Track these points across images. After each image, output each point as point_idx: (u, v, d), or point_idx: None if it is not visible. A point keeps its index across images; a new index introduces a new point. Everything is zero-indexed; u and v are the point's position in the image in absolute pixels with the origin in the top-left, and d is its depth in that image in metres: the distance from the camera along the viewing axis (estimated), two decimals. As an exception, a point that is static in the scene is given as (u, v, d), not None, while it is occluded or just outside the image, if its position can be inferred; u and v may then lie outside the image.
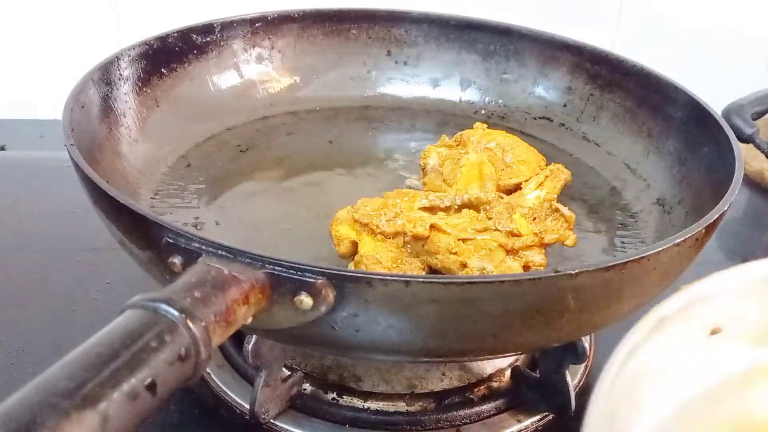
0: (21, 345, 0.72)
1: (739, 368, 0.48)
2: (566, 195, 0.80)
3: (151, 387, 0.38)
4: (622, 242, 0.75)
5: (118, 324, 0.40)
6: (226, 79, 0.92)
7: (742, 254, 0.99)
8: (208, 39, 0.90)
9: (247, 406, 0.64)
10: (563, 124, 0.93)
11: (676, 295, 0.45)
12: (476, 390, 0.69)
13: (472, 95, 0.99)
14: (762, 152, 0.94)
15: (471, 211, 0.68)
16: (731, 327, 0.48)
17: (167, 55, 0.85)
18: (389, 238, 0.66)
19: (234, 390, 0.67)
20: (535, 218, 0.69)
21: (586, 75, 0.92)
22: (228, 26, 0.91)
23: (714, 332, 0.47)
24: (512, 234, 0.65)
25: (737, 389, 0.47)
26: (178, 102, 0.86)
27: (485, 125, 0.86)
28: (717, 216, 0.58)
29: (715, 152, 0.73)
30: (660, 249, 0.53)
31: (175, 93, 0.86)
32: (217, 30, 0.90)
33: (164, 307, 0.41)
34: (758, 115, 0.93)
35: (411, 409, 0.66)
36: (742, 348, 0.48)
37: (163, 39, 0.85)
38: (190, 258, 0.48)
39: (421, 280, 0.49)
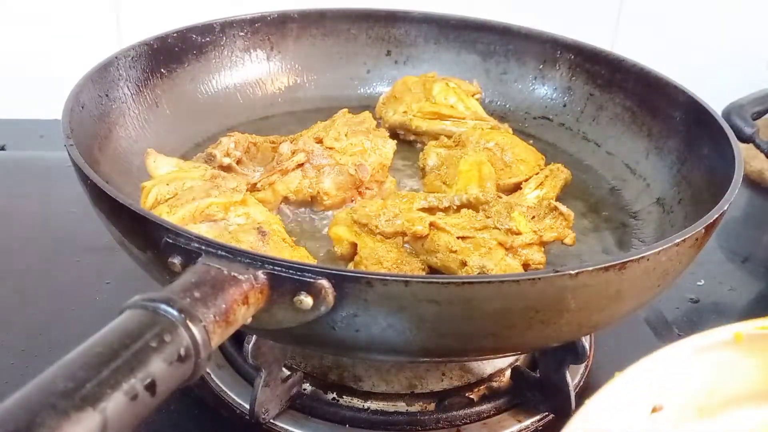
0: (21, 345, 0.72)
1: None
2: (566, 195, 0.80)
3: (151, 387, 0.38)
4: (622, 242, 0.75)
5: (118, 324, 0.40)
6: (225, 79, 0.92)
7: (742, 254, 0.98)
8: (208, 39, 0.90)
9: (247, 406, 0.64)
10: (563, 124, 0.93)
11: (613, 380, 0.46)
12: (476, 390, 0.69)
13: (472, 95, 0.99)
14: (762, 152, 0.94)
15: (470, 210, 0.68)
16: (673, 402, 0.48)
17: (167, 55, 0.85)
18: (389, 238, 0.66)
19: (234, 390, 0.67)
20: (533, 217, 0.69)
21: (586, 75, 0.92)
22: (228, 26, 0.92)
23: (655, 410, 0.47)
24: (511, 232, 0.65)
25: None
26: (178, 102, 0.86)
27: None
28: (717, 216, 0.58)
29: (715, 152, 0.73)
30: (660, 249, 0.53)
31: (175, 93, 0.86)
32: (216, 30, 0.91)
33: (164, 307, 0.41)
34: (758, 115, 0.92)
35: (411, 409, 0.66)
36: (688, 423, 0.48)
37: (162, 39, 0.85)
38: (190, 258, 0.49)
39: (420, 280, 0.49)
